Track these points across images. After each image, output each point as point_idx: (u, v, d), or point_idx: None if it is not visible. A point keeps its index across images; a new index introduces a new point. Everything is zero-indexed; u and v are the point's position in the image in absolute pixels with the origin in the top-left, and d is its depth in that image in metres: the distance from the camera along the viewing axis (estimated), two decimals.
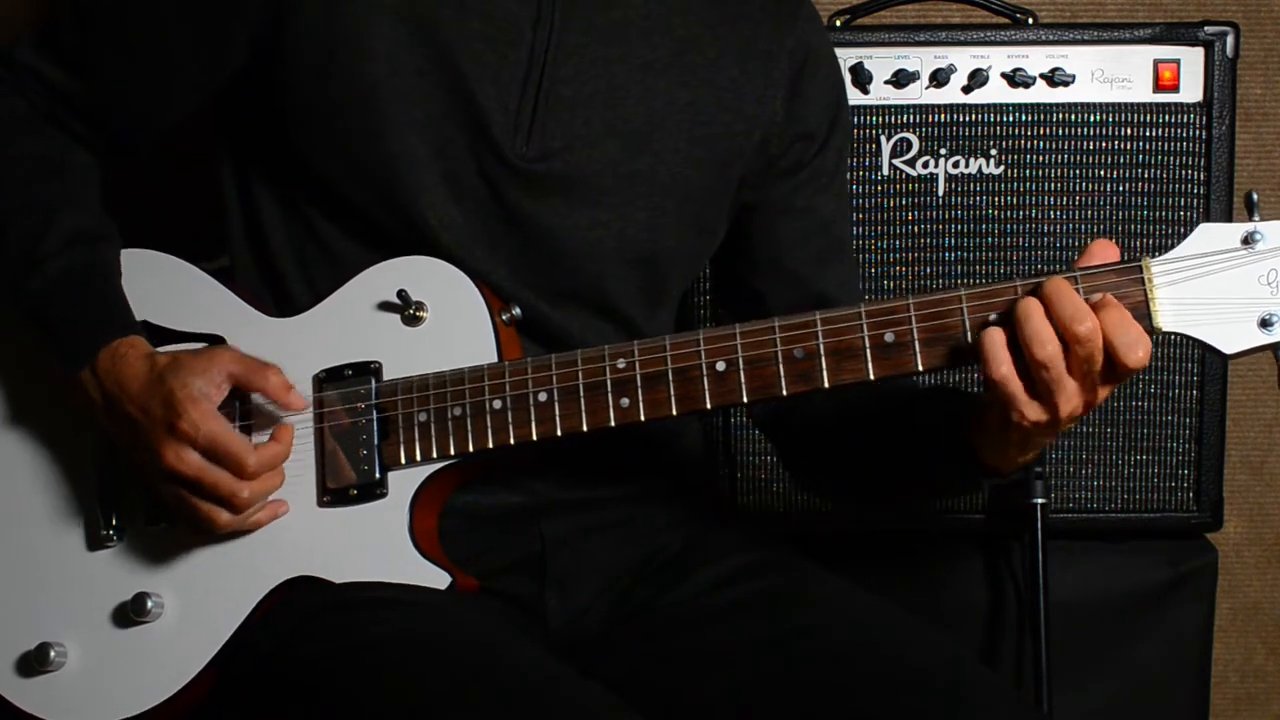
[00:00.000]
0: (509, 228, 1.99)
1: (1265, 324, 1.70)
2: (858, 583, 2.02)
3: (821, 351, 1.80)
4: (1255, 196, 1.72)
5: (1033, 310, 1.71)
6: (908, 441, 1.99)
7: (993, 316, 1.76)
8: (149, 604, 1.93)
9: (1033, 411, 1.75)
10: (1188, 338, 1.72)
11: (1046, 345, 1.71)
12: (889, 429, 2.02)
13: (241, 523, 1.91)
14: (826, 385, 1.80)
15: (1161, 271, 1.72)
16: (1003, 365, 1.73)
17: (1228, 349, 1.71)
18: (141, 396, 1.89)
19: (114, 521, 1.99)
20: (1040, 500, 2.51)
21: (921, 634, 1.92)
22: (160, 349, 1.95)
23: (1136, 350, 1.71)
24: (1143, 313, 1.72)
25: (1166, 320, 1.72)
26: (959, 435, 1.89)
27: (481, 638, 1.84)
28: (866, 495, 2.28)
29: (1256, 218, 1.71)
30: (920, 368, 1.78)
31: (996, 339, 1.73)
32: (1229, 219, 2.51)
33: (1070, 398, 1.73)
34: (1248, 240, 1.70)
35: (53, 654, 1.96)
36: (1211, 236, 1.71)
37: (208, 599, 1.94)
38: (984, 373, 1.74)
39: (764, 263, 2.16)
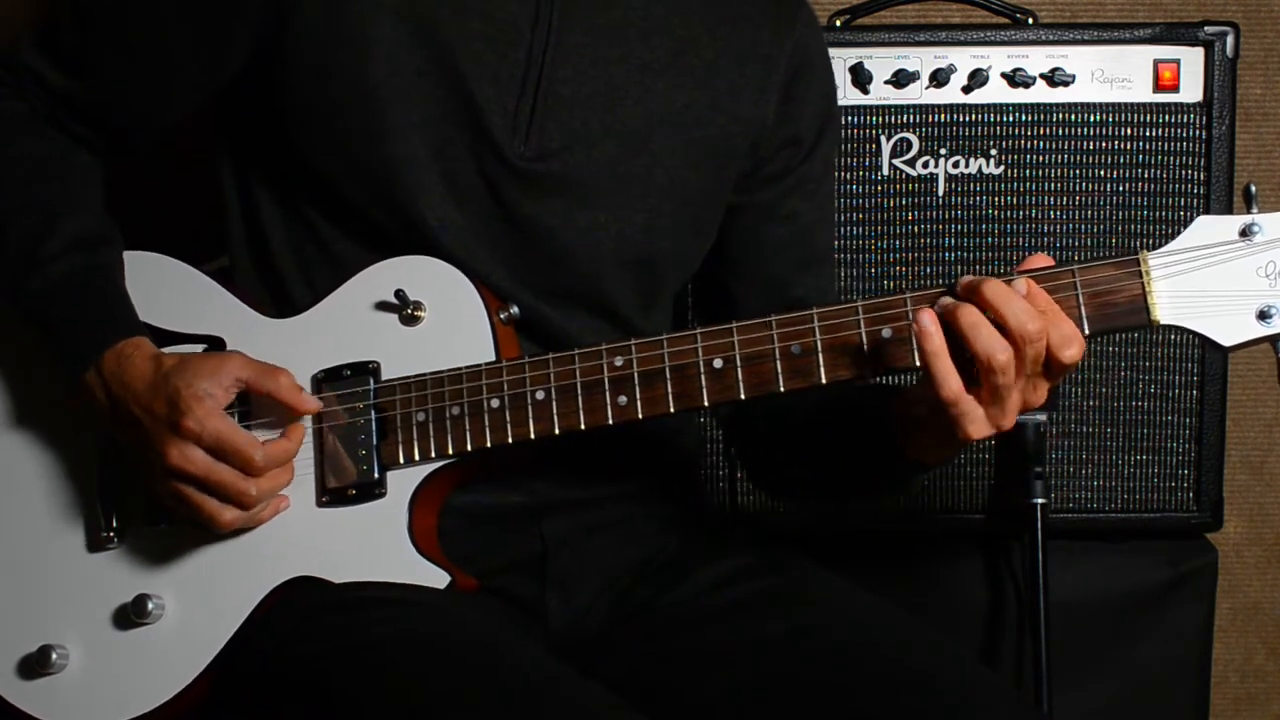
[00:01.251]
0: (508, 228, 1.99)
1: (1264, 316, 1.69)
2: (858, 583, 2.02)
3: (819, 347, 1.80)
4: (1254, 189, 1.71)
5: (978, 320, 1.71)
6: (840, 444, 2.01)
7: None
8: (149, 605, 1.93)
9: (976, 428, 1.75)
10: (1186, 330, 1.72)
11: (1000, 354, 1.70)
12: (823, 432, 2.03)
13: (248, 520, 1.91)
14: (824, 381, 1.80)
15: (1159, 264, 1.72)
16: (953, 382, 1.73)
17: (1226, 341, 1.71)
18: (146, 397, 1.89)
19: (114, 523, 1.99)
20: (1040, 500, 2.50)
21: (922, 634, 1.92)
22: (164, 350, 1.95)
23: (1071, 346, 1.72)
24: (1140, 306, 1.72)
25: (1165, 313, 1.72)
26: (891, 438, 1.90)
27: (482, 638, 1.84)
28: (807, 493, 2.29)
29: (1255, 210, 1.70)
30: (917, 363, 1.77)
31: (944, 359, 1.73)
32: None
33: (1015, 401, 1.74)
34: (1246, 232, 1.70)
35: (54, 656, 1.96)
36: (1210, 229, 1.71)
37: (208, 600, 1.94)
38: (934, 397, 1.74)
39: (743, 266, 2.16)
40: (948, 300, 1.74)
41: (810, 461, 2.10)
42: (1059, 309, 1.72)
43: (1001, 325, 1.71)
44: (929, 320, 1.72)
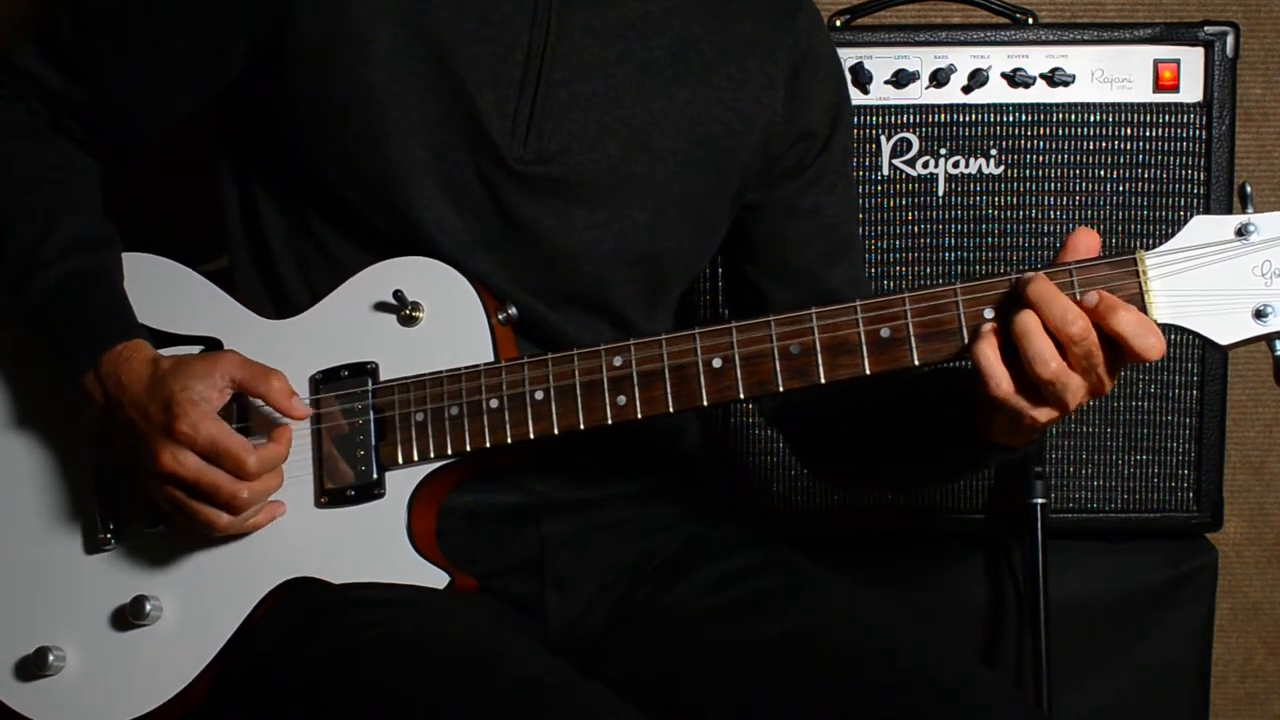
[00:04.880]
0: (507, 230, 1.98)
1: (1260, 315, 1.69)
2: (858, 583, 2.02)
3: (818, 347, 1.80)
4: (1249, 189, 1.71)
5: (1031, 327, 1.71)
6: (917, 429, 1.98)
7: (988, 313, 1.75)
8: (147, 607, 1.93)
9: (1043, 414, 1.75)
10: (1183, 329, 1.72)
11: (1050, 363, 1.70)
12: (897, 417, 2.00)
13: (241, 524, 1.91)
14: (823, 380, 1.80)
15: (1156, 264, 1.72)
16: (1003, 384, 1.74)
17: (1223, 340, 1.71)
18: (141, 399, 1.89)
19: (111, 524, 1.99)
20: (1040, 500, 2.51)
21: (921, 634, 1.92)
22: (162, 352, 1.95)
23: (1148, 339, 1.71)
24: (1137, 305, 1.71)
25: (1161, 312, 1.72)
26: (968, 421, 1.87)
27: (481, 638, 1.84)
28: (880, 483, 2.27)
29: (1250, 209, 1.71)
30: (916, 362, 1.78)
31: (991, 358, 1.74)
32: None
33: (1076, 392, 1.73)
34: (1242, 232, 1.70)
35: (51, 658, 1.95)
36: (1205, 228, 1.71)
37: (206, 601, 1.94)
38: (985, 394, 1.75)
39: (771, 263, 2.16)
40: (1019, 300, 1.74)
41: (878, 448, 2.09)
42: (1119, 302, 1.71)
43: (1046, 324, 1.71)
44: (988, 314, 1.74)
